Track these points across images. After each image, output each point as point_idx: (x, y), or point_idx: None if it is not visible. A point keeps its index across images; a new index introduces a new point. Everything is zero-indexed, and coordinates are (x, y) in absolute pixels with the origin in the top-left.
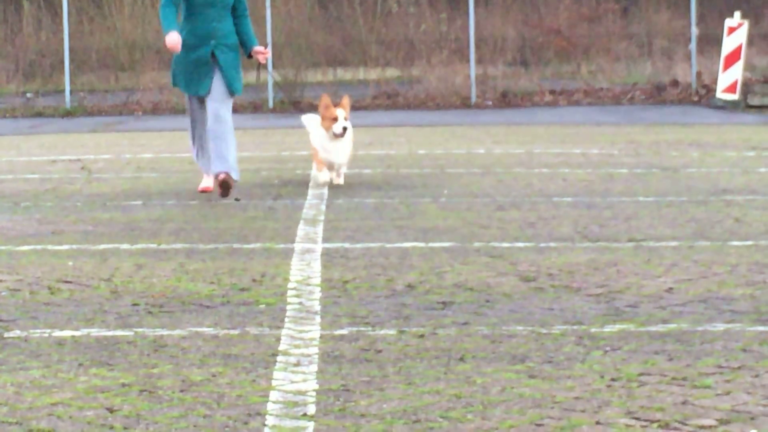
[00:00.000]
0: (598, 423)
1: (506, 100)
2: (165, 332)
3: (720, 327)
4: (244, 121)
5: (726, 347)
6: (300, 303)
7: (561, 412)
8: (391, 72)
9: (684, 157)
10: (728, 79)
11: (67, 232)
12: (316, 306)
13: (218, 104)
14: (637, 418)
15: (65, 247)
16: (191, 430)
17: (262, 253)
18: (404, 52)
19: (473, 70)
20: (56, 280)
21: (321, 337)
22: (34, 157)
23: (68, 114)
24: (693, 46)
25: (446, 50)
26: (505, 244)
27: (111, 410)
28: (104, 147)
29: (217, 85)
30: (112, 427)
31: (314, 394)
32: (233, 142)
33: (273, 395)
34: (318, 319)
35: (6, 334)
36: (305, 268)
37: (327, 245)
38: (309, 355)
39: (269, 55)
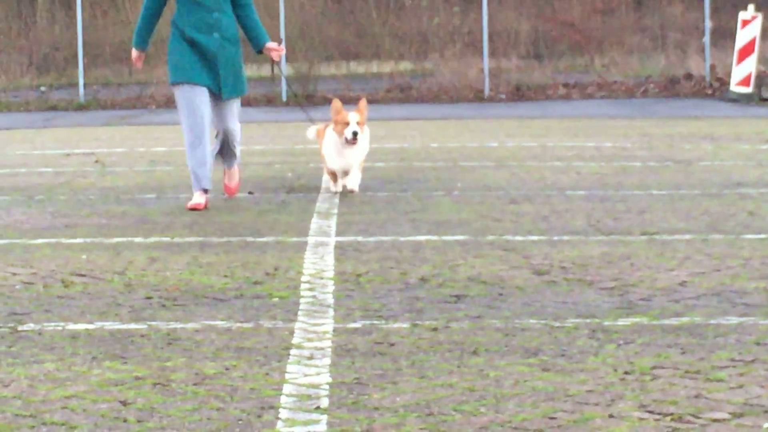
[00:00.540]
0: (611, 416)
1: (519, 94)
2: (178, 325)
3: (733, 320)
4: (257, 115)
5: (739, 340)
6: (313, 296)
7: (574, 405)
8: (405, 65)
9: (697, 150)
10: (742, 72)
11: (80, 226)
12: (330, 299)
13: (229, 117)
14: (650, 412)
15: (79, 240)
16: (204, 423)
17: (275, 246)
18: (417, 46)
19: (486, 63)
20: (70, 274)
21: (334, 330)
22: (47, 150)
23: (82, 107)
24: (707, 39)
25: (459, 43)
26: (519, 238)
27: (124, 403)
28: (118, 140)
29: (225, 92)
30: (125, 420)
31: (327, 387)
32: (238, 144)
33: (286, 388)
34: (331, 312)
35: (20, 327)
36: (318, 261)
37: (340, 238)
38: (322, 349)
39: (283, 52)
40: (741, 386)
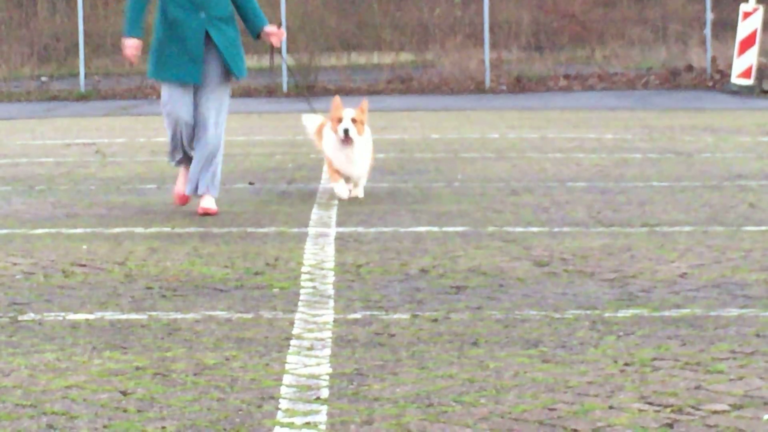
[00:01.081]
0: (611, 408)
1: (520, 85)
2: (179, 316)
3: (733, 312)
4: (258, 105)
5: (739, 332)
6: (313, 287)
7: (574, 396)
8: (405, 56)
9: (698, 142)
10: (743, 64)
11: (81, 216)
12: (330, 290)
13: (213, 96)
14: (650, 403)
15: (79, 230)
16: (204, 414)
17: (275, 237)
18: (418, 37)
19: (487, 54)
20: (70, 264)
21: (334, 321)
22: (48, 140)
23: (83, 98)
24: (708, 30)
25: (460, 34)
26: (519, 229)
27: (125, 393)
28: (119, 131)
29: (212, 71)
30: (125, 410)
31: (327, 378)
32: (220, 155)
33: (286, 379)
34: (331, 303)
35: (20, 317)
36: (319, 252)
37: (341, 229)
38: (322, 339)
39: (284, 36)
40: (741, 378)
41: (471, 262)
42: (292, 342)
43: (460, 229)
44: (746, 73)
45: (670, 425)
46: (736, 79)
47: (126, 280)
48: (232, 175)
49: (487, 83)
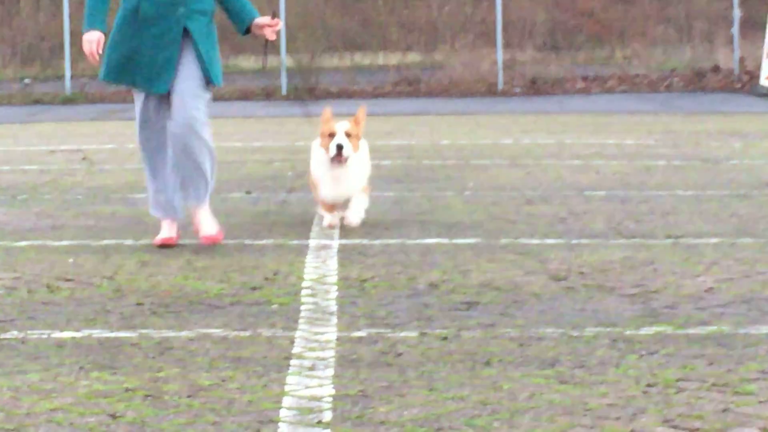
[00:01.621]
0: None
1: (535, 87)
2: (171, 334)
3: (764, 330)
4: (255, 109)
5: None
6: (315, 303)
7: (593, 420)
8: (413, 57)
9: (725, 148)
10: None
11: (67, 227)
12: (333, 306)
13: (189, 100)
14: (674, 427)
15: (65, 242)
16: None
17: (274, 249)
18: (427, 36)
19: (500, 55)
20: (56, 278)
21: (337, 339)
22: (32, 146)
23: (68, 101)
24: (735, 29)
25: (471, 34)
26: (534, 241)
27: (114, 416)
28: (107, 136)
29: (187, 69)
30: None
31: (330, 399)
32: (211, 159)
33: (286, 401)
34: (334, 320)
35: (2, 336)
36: (321, 265)
37: (344, 241)
38: (325, 359)
39: (278, 28)
40: None
41: (483, 277)
42: (293, 362)
43: (471, 241)
44: None
45: None
46: (765, 81)
47: (115, 296)
48: (228, 184)
49: (500, 85)
